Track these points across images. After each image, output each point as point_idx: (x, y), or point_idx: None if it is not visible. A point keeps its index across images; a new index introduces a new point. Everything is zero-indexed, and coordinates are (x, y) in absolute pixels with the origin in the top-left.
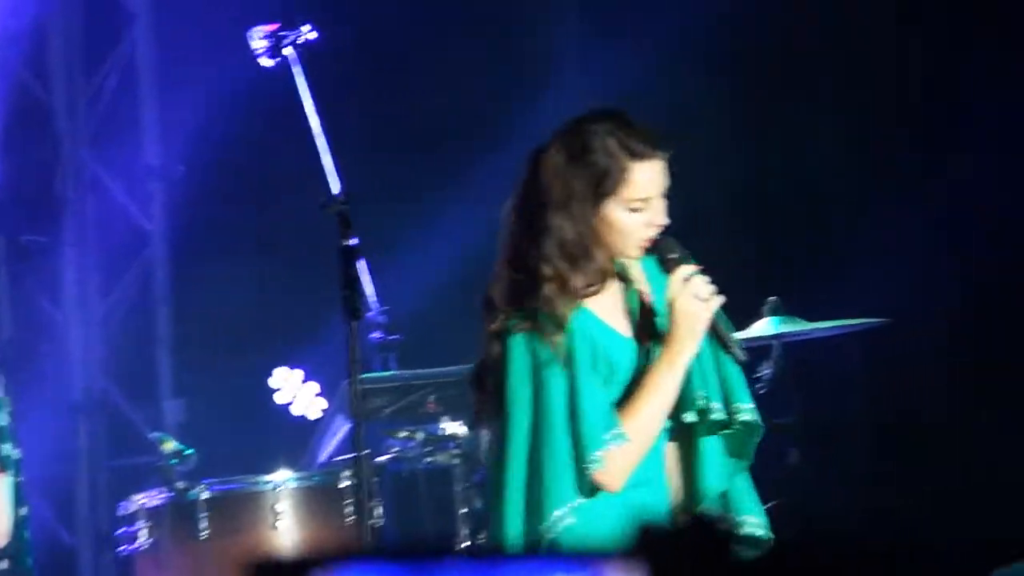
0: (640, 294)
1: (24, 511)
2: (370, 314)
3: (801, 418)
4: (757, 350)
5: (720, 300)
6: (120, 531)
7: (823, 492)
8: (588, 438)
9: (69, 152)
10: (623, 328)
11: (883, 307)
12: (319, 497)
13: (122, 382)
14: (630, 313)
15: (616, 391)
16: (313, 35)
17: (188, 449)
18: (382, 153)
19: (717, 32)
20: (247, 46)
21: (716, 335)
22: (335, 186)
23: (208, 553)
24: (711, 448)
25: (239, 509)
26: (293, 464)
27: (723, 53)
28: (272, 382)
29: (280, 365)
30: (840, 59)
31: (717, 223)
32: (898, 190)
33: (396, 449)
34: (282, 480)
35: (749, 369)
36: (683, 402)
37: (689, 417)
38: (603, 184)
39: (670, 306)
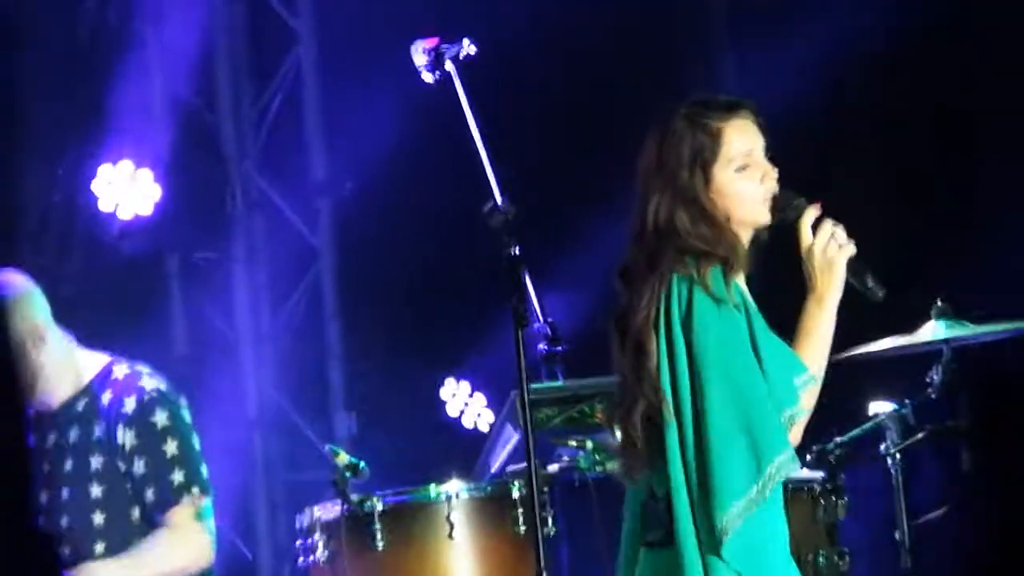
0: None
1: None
2: (537, 325)
3: (972, 422)
4: (926, 356)
5: (852, 248)
6: (297, 543)
7: (995, 496)
8: (783, 384)
9: (236, 171)
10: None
11: None
12: (492, 508)
13: (294, 396)
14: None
15: None
16: (473, 49)
17: (361, 462)
18: (548, 164)
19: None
20: (409, 61)
21: (855, 275)
22: (499, 197)
23: (384, 564)
24: None
25: (414, 520)
26: (465, 474)
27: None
28: (443, 394)
29: (448, 377)
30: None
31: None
32: None
33: (566, 459)
34: (455, 491)
35: (919, 374)
36: None
37: None
38: (702, 154)
39: (807, 253)
